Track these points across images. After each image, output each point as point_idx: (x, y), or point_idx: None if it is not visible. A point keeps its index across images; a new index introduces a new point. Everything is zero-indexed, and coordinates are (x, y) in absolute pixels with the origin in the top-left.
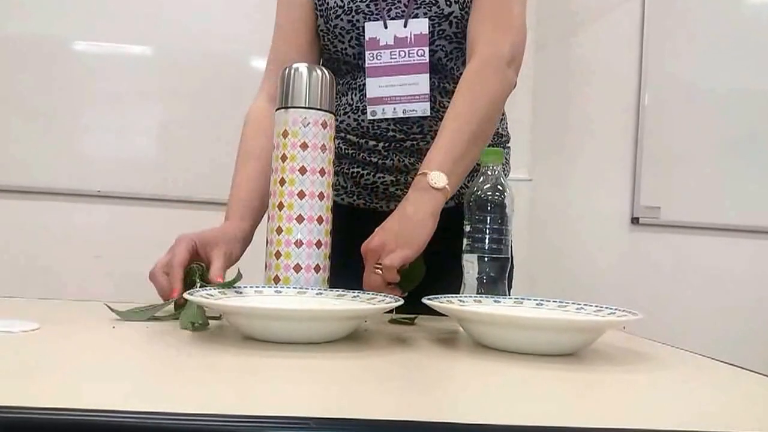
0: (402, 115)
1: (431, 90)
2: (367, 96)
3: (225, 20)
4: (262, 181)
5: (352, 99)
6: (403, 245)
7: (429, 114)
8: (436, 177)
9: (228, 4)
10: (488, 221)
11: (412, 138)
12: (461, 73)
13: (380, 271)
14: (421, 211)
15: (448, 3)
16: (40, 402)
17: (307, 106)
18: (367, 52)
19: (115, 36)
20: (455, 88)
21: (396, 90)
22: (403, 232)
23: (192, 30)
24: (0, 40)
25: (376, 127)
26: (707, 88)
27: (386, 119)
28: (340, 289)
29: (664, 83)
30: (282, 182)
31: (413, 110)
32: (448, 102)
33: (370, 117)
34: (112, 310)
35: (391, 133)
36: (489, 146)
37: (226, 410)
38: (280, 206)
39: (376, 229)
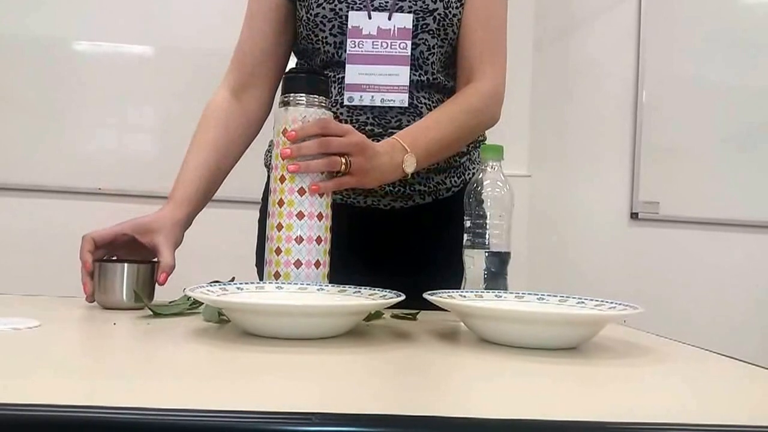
0: (379, 104)
1: (409, 83)
2: (346, 82)
3: (224, 19)
4: (211, 171)
5: (330, 93)
6: (364, 173)
7: (406, 105)
8: (410, 162)
9: (228, 4)
10: (488, 216)
11: (390, 132)
12: (438, 69)
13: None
14: (387, 173)
15: (433, 0)
16: (41, 399)
17: (306, 104)
18: (348, 40)
19: (115, 36)
20: (433, 82)
21: (375, 79)
22: (373, 170)
23: (192, 29)
24: (0, 40)
25: (354, 121)
26: (705, 84)
27: (364, 112)
28: (342, 285)
29: (661, 80)
30: (282, 179)
31: (391, 100)
32: (425, 96)
33: (347, 102)
34: (147, 306)
35: (369, 127)
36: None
37: (229, 406)
38: (281, 203)
39: (365, 140)
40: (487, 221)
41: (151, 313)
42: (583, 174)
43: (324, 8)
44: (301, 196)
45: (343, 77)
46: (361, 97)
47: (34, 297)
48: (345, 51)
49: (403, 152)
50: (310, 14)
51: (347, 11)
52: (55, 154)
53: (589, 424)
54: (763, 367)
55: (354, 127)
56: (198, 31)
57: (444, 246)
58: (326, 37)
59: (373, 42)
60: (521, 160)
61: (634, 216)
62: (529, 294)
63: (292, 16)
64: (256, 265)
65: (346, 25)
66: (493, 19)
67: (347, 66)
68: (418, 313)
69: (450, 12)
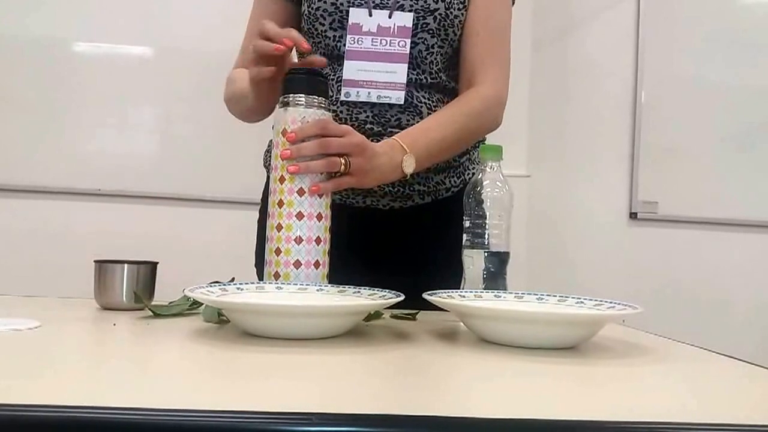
0: (376, 101)
1: (407, 83)
2: (344, 77)
3: (225, 20)
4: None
5: (330, 92)
6: (363, 173)
7: (403, 103)
8: (409, 162)
9: (228, 4)
10: (488, 217)
11: (389, 131)
12: (438, 69)
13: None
14: (386, 174)
15: (434, 0)
16: (42, 400)
17: (305, 104)
18: (348, 36)
19: (115, 36)
20: (432, 82)
21: (373, 75)
22: (372, 170)
23: (192, 30)
24: (0, 40)
25: (354, 119)
26: (704, 84)
27: (364, 110)
28: (341, 285)
29: (661, 80)
30: (282, 180)
31: (387, 97)
32: (424, 96)
33: (343, 98)
34: (147, 306)
35: (368, 125)
36: (483, 143)
37: (229, 406)
38: (280, 203)
39: (366, 141)
40: (487, 221)
41: (151, 313)
42: (582, 174)
43: (325, 2)
44: (301, 196)
45: (343, 76)
46: (357, 92)
47: (34, 297)
48: (344, 45)
49: (402, 153)
50: (312, 8)
51: (348, 7)
52: (55, 155)
53: (589, 424)
54: (763, 367)
55: (353, 125)
56: (198, 31)
57: (444, 246)
58: (325, 31)
59: (372, 39)
60: (520, 160)
61: (633, 216)
62: (528, 294)
63: (294, 18)
64: (255, 266)
65: (347, 20)
66: (496, 23)
67: (346, 62)
68: (417, 313)
69: (451, 13)
